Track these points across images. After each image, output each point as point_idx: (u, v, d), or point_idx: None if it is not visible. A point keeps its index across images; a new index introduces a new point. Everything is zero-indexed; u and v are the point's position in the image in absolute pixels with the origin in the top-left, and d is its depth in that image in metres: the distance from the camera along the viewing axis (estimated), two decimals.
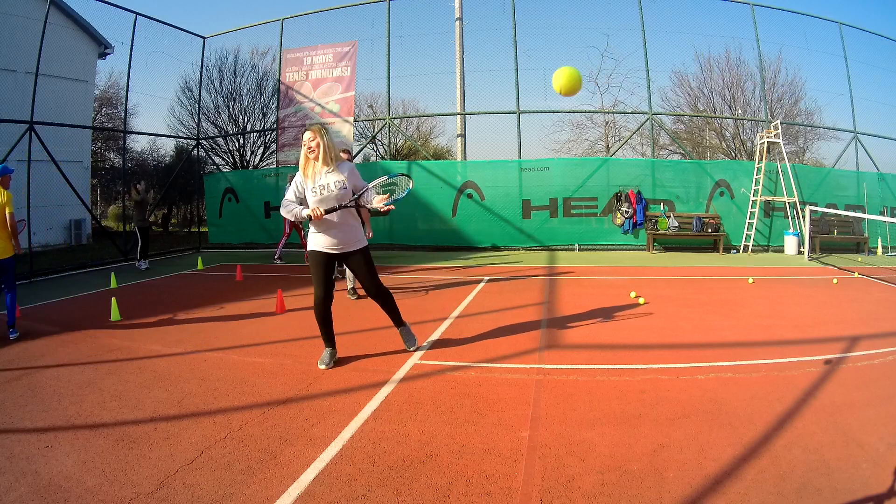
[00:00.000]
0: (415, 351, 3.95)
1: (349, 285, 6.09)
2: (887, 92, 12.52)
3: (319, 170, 3.49)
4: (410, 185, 3.71)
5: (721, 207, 10.76)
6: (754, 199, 10.48)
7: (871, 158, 11.86)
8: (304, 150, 3.51)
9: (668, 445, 2.49)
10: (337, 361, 3.77)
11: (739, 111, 14.60)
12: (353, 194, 3.56)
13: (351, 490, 2.15)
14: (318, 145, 3.48)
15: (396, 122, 13.14)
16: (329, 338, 3.74)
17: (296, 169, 7.25)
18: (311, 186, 3.49)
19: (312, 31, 12.27)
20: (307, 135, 3.50)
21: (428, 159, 12.83)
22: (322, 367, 3.66)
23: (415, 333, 4.10)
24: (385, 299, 3.83)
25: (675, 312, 5.26)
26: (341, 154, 5.56)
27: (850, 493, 2.07)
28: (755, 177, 10.56)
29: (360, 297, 6.12)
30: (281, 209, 3.60)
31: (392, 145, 17.95)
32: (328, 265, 3.60)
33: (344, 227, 3.56)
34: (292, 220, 3.55)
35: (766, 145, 10.62)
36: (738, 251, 10.52)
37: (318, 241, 3.57)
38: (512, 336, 4.43)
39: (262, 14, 36.44)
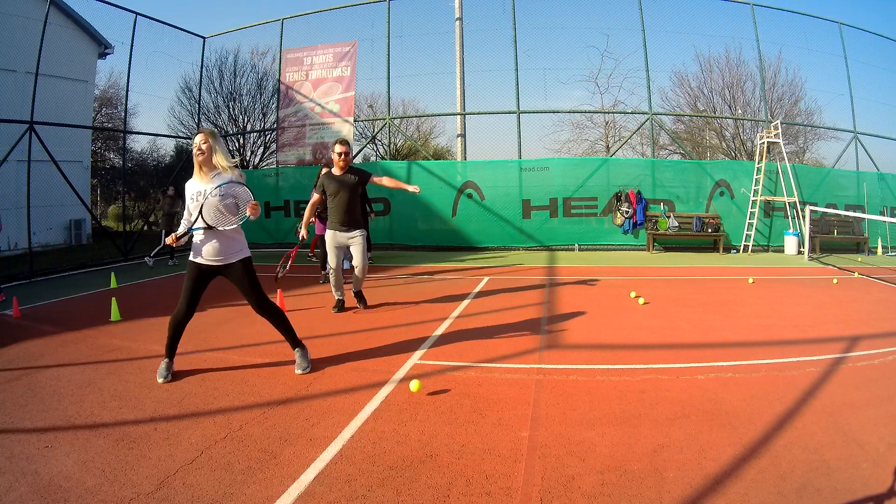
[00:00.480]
0: (305, 373, 3.56)
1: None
2: (887, 92, 12.53)
3: (200, 175, 3.36)
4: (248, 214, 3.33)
5: (721, 207, 10.75)
6: (754, 199, 10.48)
7: (871, 158, 11.86)
8: (194, 153, 3.32)
9: (668, 445, 2.49)
10: (174, 375, 3.51)
11: (739, 111, 14.60)
12: (237, 205, 3.35)
13: (351, 490, 2.15)
14: (208, 148, 3.31)
15: (396, 122, 13.14)
16: (171, 349, 3.52)
17: (317, 168, 7.16)
18: (191, 192, 3.35)
19: (312, 31, 12.27)
20: (199, 137, 3.32)
21: (428, 159, 12.83)
22: (160, 380, 3.42)
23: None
24: (276, 317, 3.57)
25: (675, 312, 5.26)
26: (335, 147, 5.04)
27: (850, 493, 2.07)
28: (755, 177, 10.56)
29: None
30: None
31: (392, 145, 17.95)
32: (200, 281, 3.43)
33: (222, 236, 3.35)
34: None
35: (766, 145, 10.62)
36: (738, 251, 10.52)
37: (196, 251, 3.39)
38: (512, 336, 4.43)
39: (262, 14, 36.44)
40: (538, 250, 10.90)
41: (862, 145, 11.84)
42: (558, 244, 11.03)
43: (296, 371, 3.58)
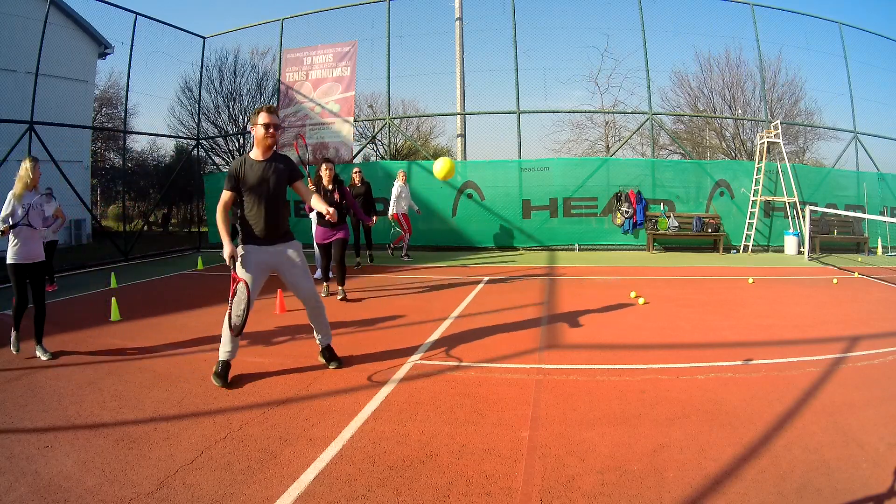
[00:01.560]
0: (51, 359, 4.01)
1: (339, 296, 5.97)
2: (887, 92, 12.54)
3: (28, 192, 4.15)
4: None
5: (721, 207, 10.75)
6: (754, 199, 10.48)
7: (871, 158, 11.86)
8: (32, 175, 4.18)
9: (668, 445, 2.49)
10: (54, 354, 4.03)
11: (739, 111, 14.60)
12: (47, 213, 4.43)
13: (351, 490, 2.15)
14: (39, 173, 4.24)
15: (396, 122, 13.14)
16: (18, 327, 4.19)
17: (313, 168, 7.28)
18: (24, 203, 4.11)
19: (312, 31, 12.28)
20: (34, 162, 4.24)
21: (428, 159, 12.82)
22: (15, 351, 4.14)
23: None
24: (42, 309, 4.18)
25: (675, 312, 5.26)
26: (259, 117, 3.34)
27: (850, 493, 2.07)
28: (755, 177, 10.56)
29: (342, 298, 6.12)
30: None
31: (392, 145, 17.94)
32: (23, 278, 4.12)
33: (38, 241, 4.19)
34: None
35: (766, 145, 10.61)
36: (738, 251, 10.52)
37: (16, 255, 4.05)
38: (512, 336, 4.43)
39: (262, 14, 36.40)
40: (538, 250, 10.90)
41: (862, 145, 11.84)
42: (558, 244, 11.03)
43: (41, 357, 4.01)
